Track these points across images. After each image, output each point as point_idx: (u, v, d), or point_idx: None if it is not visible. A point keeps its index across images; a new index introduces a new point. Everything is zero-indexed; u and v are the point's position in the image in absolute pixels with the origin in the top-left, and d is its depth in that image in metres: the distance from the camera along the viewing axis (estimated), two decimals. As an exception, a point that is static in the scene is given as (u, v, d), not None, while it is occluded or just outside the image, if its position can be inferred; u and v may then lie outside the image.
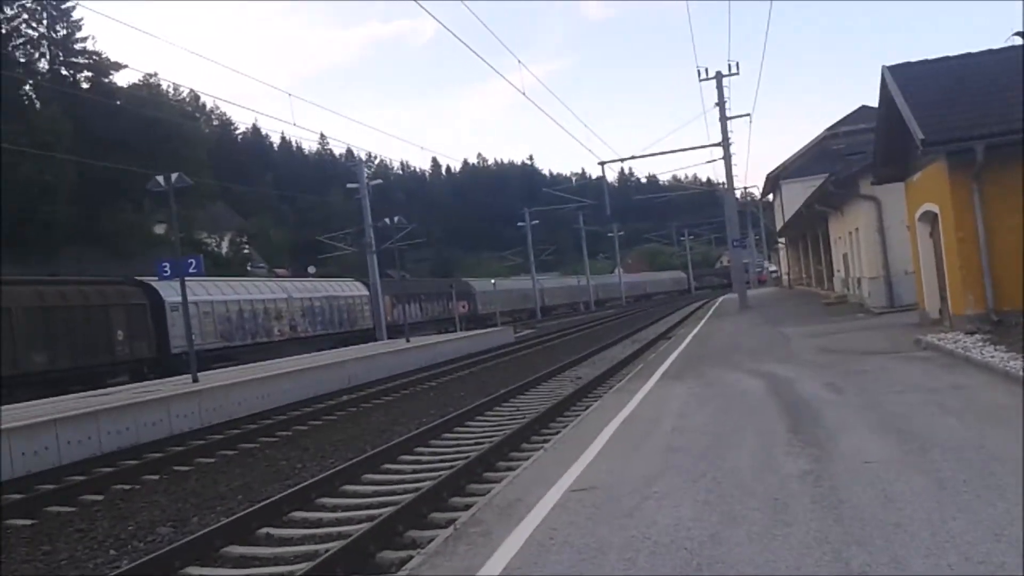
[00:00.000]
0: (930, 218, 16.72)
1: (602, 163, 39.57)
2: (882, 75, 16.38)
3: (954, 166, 14.36)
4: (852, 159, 27.98)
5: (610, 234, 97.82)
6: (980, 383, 9.84)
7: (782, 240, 58.19)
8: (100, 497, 11.10)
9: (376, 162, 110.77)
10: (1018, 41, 18.30)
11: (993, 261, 14.12)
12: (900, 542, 4.62)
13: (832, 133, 41.32)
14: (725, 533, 5.14)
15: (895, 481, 5.91)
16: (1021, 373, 5.60)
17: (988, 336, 13.00)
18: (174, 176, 19.96)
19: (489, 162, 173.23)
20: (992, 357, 11.07)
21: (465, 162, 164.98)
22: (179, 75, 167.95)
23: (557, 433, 10.82)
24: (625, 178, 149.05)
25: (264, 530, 8.35)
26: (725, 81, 33.79)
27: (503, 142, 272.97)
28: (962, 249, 14.51)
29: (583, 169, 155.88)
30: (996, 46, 17.21)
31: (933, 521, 4.92)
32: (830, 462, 6.69)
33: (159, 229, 55.61)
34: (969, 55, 16.69)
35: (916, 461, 6.43)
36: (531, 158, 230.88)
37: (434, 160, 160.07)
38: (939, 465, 6.22)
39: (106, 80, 63.17)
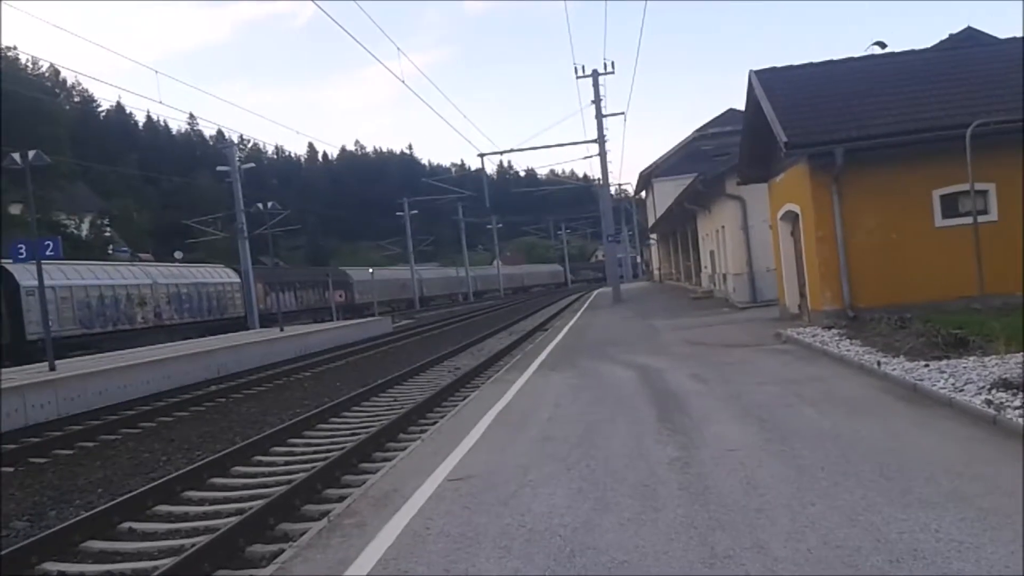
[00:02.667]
0: (791, 218, 17.50)
1: (481, 155, 39.64)
2: (749, 79, 17.02)
3: (815, 168, 15.07)
4: (720, 160, 29.01)
5: (489, 226, 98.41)
6: (837, 375, 10.39)
7: (654, 236, 59.80)
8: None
9: (249, 145, 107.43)
10: (876, 50, 19.39)
11: (850, 260, 14.91)
12: (762, 527, 4.84)
13: (702, 134, 42.63)
14: (597, 519, 5.26)
15: (757, 468, 6.17)
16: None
17: (844, 331, 13.73)
18: (31, 153, 18.87)
19: (368, 150, 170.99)
20: (848, 351, 11.71)
21: (343, 149, 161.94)
22: (38, 48, 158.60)
23: (435, 423, 10.83)
24: (504, 171, 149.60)
25: (126, 524, 8.03)
26: (601, 79, 34.51)
27: (382, 131, 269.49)
28: (821, 248, 15.26)
29: (463, 160, 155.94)
30: (857, 54, 18.15)
31: (793, 506, 5.17)
32: (696, 449, 6.94)
33: (14, 209, 52.36)
34: (832, 62, 17.56)
35: (777, 449, 6.74)
36: (410, 147, 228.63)
37: (310, 145, 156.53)
38: (798, 453, 6.53)
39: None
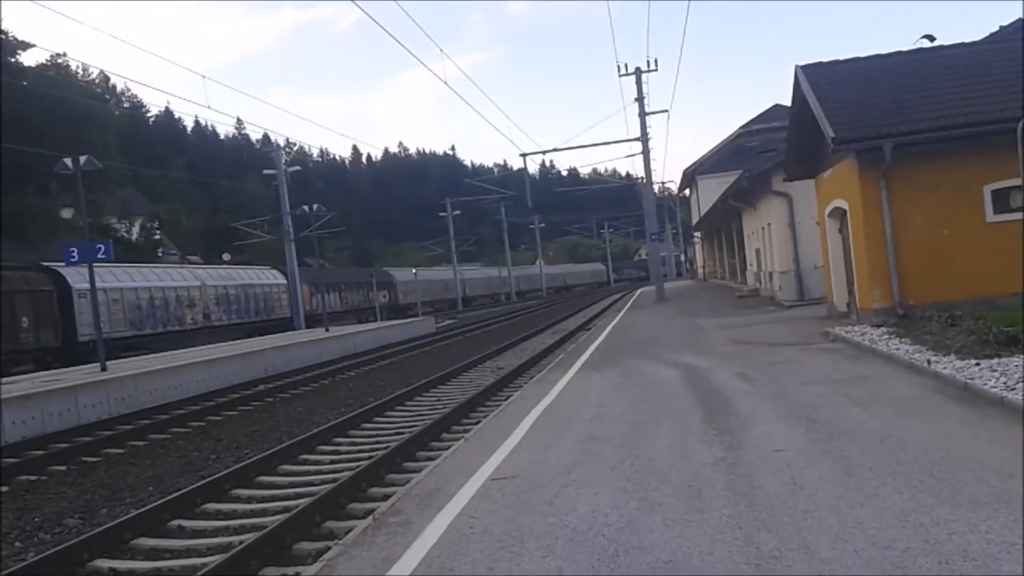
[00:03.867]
0: (839, 214, 17.25)
1: (524, 155, 39.70)
2: (795, 74, 16.80)
3: (863, 164, 14.83)
4: (765, 156, 28.68)
5: (531, 226, 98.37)
6: (886, 374, 10.22)
7: (698, 234, 59.34)
8: (4, 488, 10.70)
9: (295, 149, 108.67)
10: (925, 44, 19.04)
11: (899, 257, 14.65)
12: (809, 527, 4.77)
13: (746, 130, 42.23)
14: (641, 519, 5.23)
15: (804, 468, 6.09)
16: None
17: (894, 329, 13.50)
18: (83, 159, 19.28)
19: (411, 152, 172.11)
20: (897, 350, 11.51)
21: (386, 151, 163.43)
22: (89, 55, 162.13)
23: (478, 423, 10.84)
24: (546, 170, 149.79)
25: (176, 522, 8.16)
26: (644, 77, 34.27)
27: (425, 132, 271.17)
28: (870, 245, 15.01)
29: (505, 161, 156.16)
30: (905, 48, 17.84)
31: (840, 507, 5.09)
32: (742, 450, 6.86)
33: (66, 214, 53.56)
34: (879, 56, 17.25)
35: (824, 449, 6.64)
36: (453, 149, 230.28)
37: (354, 148, 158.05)
38: (846, 453, 6.43)
39: (12, 60, 60.49)
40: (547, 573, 4.50)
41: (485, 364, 21.62)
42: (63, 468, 11.80)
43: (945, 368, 9.48)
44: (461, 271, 79.87)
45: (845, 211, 16.56)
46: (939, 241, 14.49)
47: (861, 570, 4.08)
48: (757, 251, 30.12)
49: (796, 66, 16.84)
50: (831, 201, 17.51)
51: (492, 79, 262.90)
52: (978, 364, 9.35)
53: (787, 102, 18.78)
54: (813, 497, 5.35)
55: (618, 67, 35.18)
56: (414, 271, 66.07)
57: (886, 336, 12.99)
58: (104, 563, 7.07)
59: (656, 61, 44.22)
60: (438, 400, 15.68)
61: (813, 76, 16.38)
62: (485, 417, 11.03)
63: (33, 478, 11.24)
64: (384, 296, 53.15)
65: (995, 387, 8.04)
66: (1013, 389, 7.78)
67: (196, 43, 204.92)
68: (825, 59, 17.56)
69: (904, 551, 4.27)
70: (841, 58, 17.47)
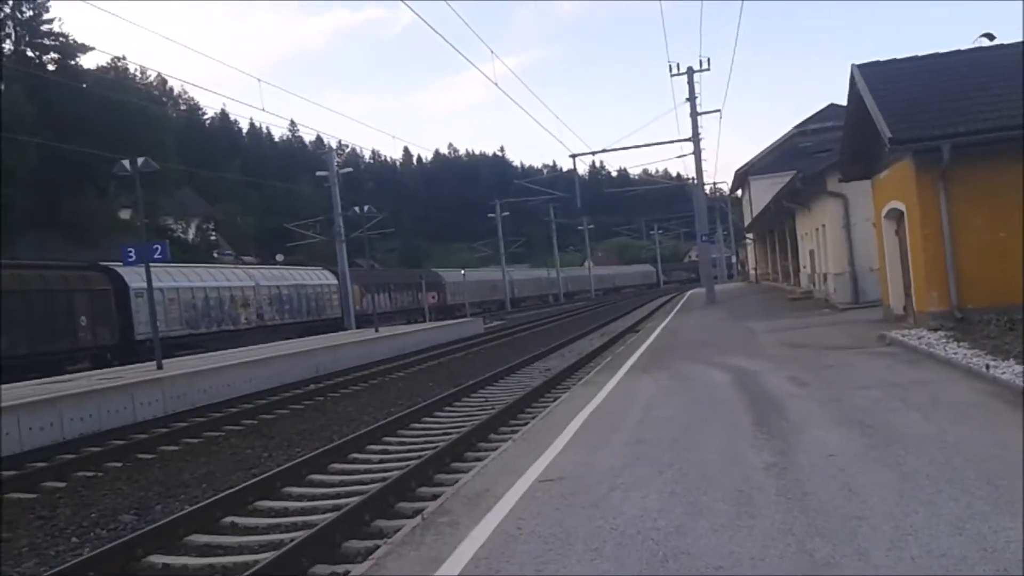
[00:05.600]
0: (896, 215, 16.92)
1: (573, 156, 39.56)
2: (851, 73, 16.53)
3: (921, 165, 14.53)
4: (820, 156, 28.25)
5: (580, 227, 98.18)
6: (943, 378, 9.98)
7: (750, 236, 58.66)
8: (62, 484, 10.97)
9: (347, 150, 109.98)
10: (984, 42, 18.57)
11: (958, 259, 14.32)
12: (863, 534, 4.68)
13: (801, 130, 41.63)
14: (690, 524, 5.17)
15: (858, 474, 5.97)
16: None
17: (951, 333, 13.19)
18: (140, 160, 19.69)
19: (460, 153, 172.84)
20: (955, 354, 11.24)
21: (436, 152, 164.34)
22: (146, 58, 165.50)
23: (526, 424, 10.84)
24: (596, 171, 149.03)
25: (229, 519, 8.29)
26: (696, 77, 34.04)
27: (475, 133, 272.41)
28: (927, 246, 14.71)
29: (554, 162, 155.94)
30: (964, 47, 17.44)
31: (895, 514, 4.98)
32: (794, 455, 6.76)
33: (124, 214, 54.87)
34: (937, 55, 16.88)
35: (879, 455, 6.51)
36: (502, 150, 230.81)
37: (405, 150, 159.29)
38: (902, 459, 6.30)
39: (72, 62, 62.09)
40: (595, 576, 4.47)
41: (533, 365, 21.61)
42: (119, 465, 12.05)
43: (1004, 373, 9.23)
44: (509, 272, 79.97)
45: (902, 212, 16.24)
46: (997, 244, 14.12)
47: (917, 579, 3.99)
48: (811, 253, 29.69)
49: (852, 65, 16.56)
50: (888, 202, 17.19)
51: (542, 80, 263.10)
52: (1039, 369, 9.09)
53: (843, 102, 18.47)
54: (867, 503, 5.25)
55: (670, 67, 35.02)
56: (463, 272, 66.32)
57: (943, 340, 12.69)
58: (158, 559, 7.20)
59: (708, 60, 43.84)
60: (486, 401, 15.71)
61: (870, 75, 16.09)
62: (533, 418, 11.03)
63: (90, 474, 11.50)
64: (433, 297, 53.36)
65: (1058, 393, 7.81)
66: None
67: (250, 45, 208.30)
68: (882, 58, 17.23)
69: (961, 559, 4.17)
70: (898, 57, 17.17)
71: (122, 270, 28.62)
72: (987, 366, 9.77)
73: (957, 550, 4.30)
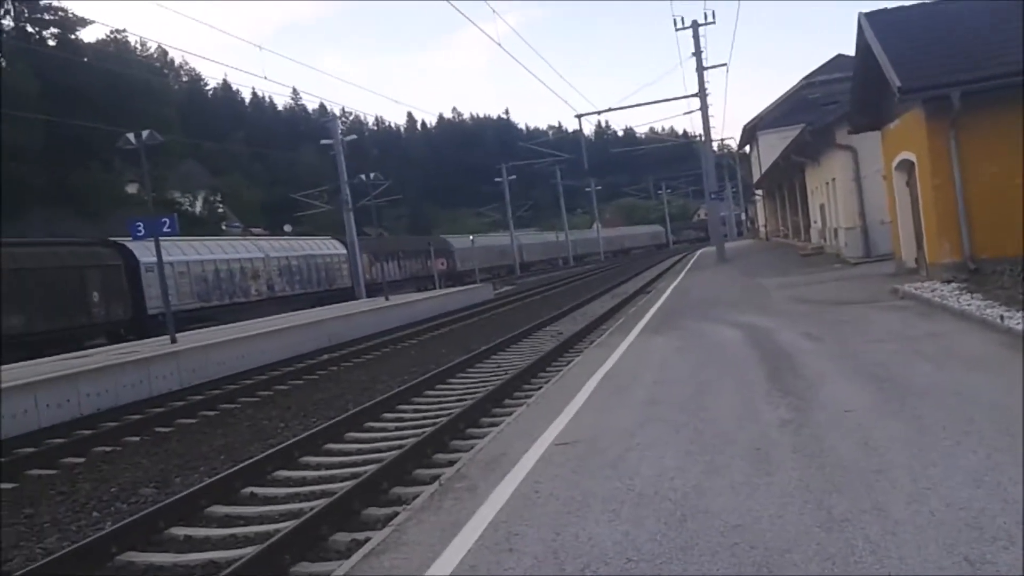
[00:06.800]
0: (907, 167, 16.76)
1: (579, 116, 39.21)
2: (858, 22, 16.27)
3: (931, 114, 14.36)
4: (829, 108, 27.95)
5: (588, 189, 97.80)
6: (957, 331, 9.94)
7: (759, 192, 58.29)
8: (81, 460, 11.06)
9: (351, 118, 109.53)
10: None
11: (969, 209, 14.19)
12: (881, 489, 4.68)
13: (808, 82, 41.14)
14: (708, 483, 5.18)
15: (874, 428, 5.96)
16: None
17: (965, 284, 13.11)
18: (145, 133, 19.64)
19: (465, 116, 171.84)
20: (969, 305, 11.17)
21: (440, 116, 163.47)
22: (147, 30, 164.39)
23: (539, 388, 10.85)
24: (602, 131, 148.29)
25: (248, 489, 8.35)
26: (701, 30, 33.76)
27: (479, 96, 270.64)
28: (938, 197, 14.57)
29: (559, 122, 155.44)
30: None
31: (913, 468, 4.97)
32: (810, 411, 6.75)
33: (131, 188, 54.81)
34: (945, 2, 16.60)
35: (895, 409, 6.50)
36: (507, 112, 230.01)
37: (409, 115, 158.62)
38: (918, 412, 6.28)
39: (72, 37, 61.80)
40: (614, 537, 4.48)
41: (545, 329, 21.62)
42: (137, 439, 12.13)
43: (1018, 324, 9.17)
44: (518, 237, 79.83)
45: (913, 163, 16.08)
46: (1011, 192, 13.94)
47: (937, 532, 3.98)
48: (821, 207, 29.50)
49: (860, 13, 16.30)
50: (898, 153, 17.01)
51: (545, 38, 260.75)
52: (1055, 318, 9.04)
53: (851, 52, 18.24)
54: (885, 457, 5.24)
55: (674, 21, 34.92)
56: (471, 238, 66.32)
57: (956, 292, 12.62)
58: (180, 531, 7.26)
59: (713, 13, 43.23)
60: (499, 367, 15.74)
61: (877, 23, 15.85)
62: (547, 383, 11.04)
63: (108, 449, 11.59)
64: (442, 264, 53.35)
65: (1074, 342, 7.76)
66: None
67: (250, 13, 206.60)
68: (890, 5, 16.96)
69: (980, 511, 4.16)
70: (906, 3, 16.88)
71: (132, 245, 28.66)
72: (1001, 317, 9.72)
73: (977, 502, 4.29)
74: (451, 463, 7.58)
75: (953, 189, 14.27)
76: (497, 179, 78.79)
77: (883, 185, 19.32)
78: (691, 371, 9.47)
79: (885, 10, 16.61)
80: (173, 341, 19.25)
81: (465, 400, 12.07)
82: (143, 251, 28.68)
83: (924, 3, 16.72)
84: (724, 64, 78.63)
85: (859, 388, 7.40)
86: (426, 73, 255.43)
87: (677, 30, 34.03)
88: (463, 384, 14.06)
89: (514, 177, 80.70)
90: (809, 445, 5.75)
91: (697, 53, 33.87)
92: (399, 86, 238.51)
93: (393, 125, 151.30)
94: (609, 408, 7.93)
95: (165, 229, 19.20)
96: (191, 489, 8.22)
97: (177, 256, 31.93)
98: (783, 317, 13.45)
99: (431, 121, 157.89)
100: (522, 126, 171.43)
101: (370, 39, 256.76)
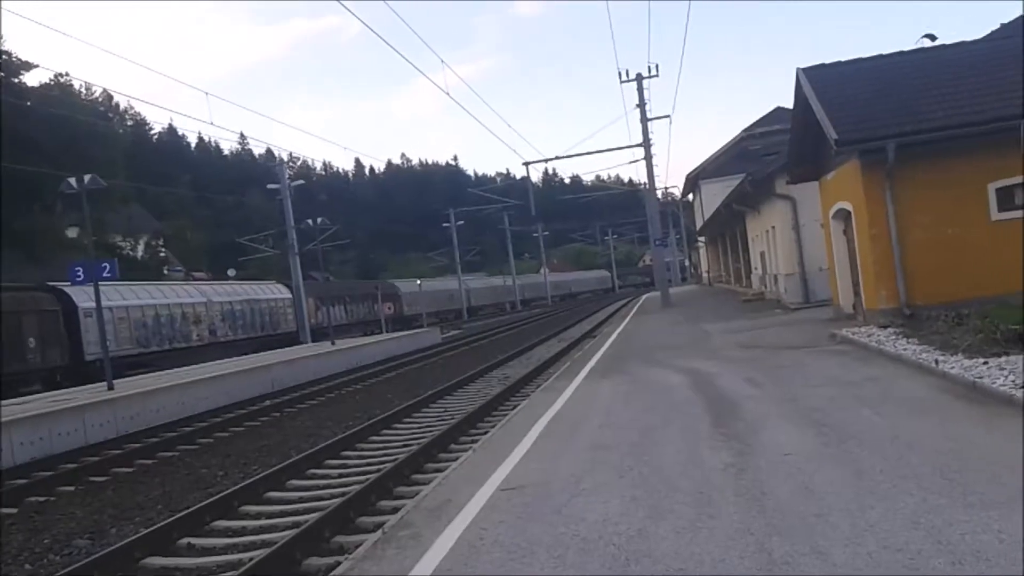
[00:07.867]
0: (844, 216, 17.21)
1: (526, 163, 39.80)
2: (797, 77, 16.79)
3: (867, 165, 14.80)
4: (768, 159, 28.64)
5: (535, 234, 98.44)
6: (894, 375, 10.17)
7: (702, 239, 59.28)
8: (14, 510, 10.70)
9: (298, 163, 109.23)
10: (927, 43, 19.01)
11: (905, 257, 14.59)
12: (821, 532, 4.74)
13: (749, 134, 42.14)
14: (652, 527, 5.20)
15: (814, 472, 6.05)
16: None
17: (901, 329, 13.44)
18: (87, 177, 19.34)
19: (413, 162, 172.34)
20: (905, 350, 11.46)
21: (389, 163, 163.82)
22: (91, 74, 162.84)
23: (486, 433, 10.81)
24: (549, 178, 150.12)
25: (185, 540, 8.14)
26: (645, 83, 34.31)
27: (428, 143, 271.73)
28: (875, 245, 14.97)
29: (508, 169, 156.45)
30: (907, 48, 17.82)
31: (852, 511, 5.05)
32: (752, 455, 6.83)
33: (72, 233, 53.71)
34: (881, 57, 17.23)
35: (834, 452, 6.61)
36: (456, 159, 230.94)
37: (357, 161, 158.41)
38: (856, 456, 6.40)
39: (15, 80, 60.76)
40: (558, 584, 4.46)
41: (492, 373, 21.59)
42: (72, 489, 11.78)
43: (953, 368, 9.44)
44: (466, 281, 79.85)
45: (849, 212, 16.52)
46: (944, 240, 14.44)
47: (874, 573, 4.04)
48: (762, 254, 30.08)
49: (798, 68, 16.83)
50: (835, 203, 17.48)
51: (494, 88, 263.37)
52: (986, 363, 9.30)
53: (790, 104, 18.78)
54: (824, 501, 5.32)
55: (619, 73, 35.31)
56: (419, 282, 66.11)
57: (893, 336, 12.94)
58: (114, 583, 7.04)
59: (657, 67, 43.80)
60: (445, 411, 15.65)
61: (815, 78, 16.37)
62: (493, 427, 11.01)
63: (42, 499, 11.24)
64: (389, 308, 53.01)
65: (1004, 385, 7.99)
66: (1022, 387, 7.73)
67: (198, 59, 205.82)
68: (827, 60, 17.55)
69: (917, 553, 4.24)
70: (843, 59, 17.48)
71: (70, 290, 28.06)
72: (936, 361, 9.98)
73: (914, 544, 4.37)
74: (395, 510, 7.50)
75: (889, 238, 14.68)
76: (446, 224, 78.94)
77: (821, 233, 19.78)
78: (636, 416, 9.52)
79: (822, 65, 17.15)
80: (110, 388, 18.80)
81: (411, 445, 11.97)
82: (82, 296, 28.06)
83: (860, 59, 17.30)
84: (668, 115, 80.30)
85: (799, 432, 7.52)
86: (376, 121, 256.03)
87: (622, 82, 34.68)
88: (409, 429, 13.95)
89: (462, 223, 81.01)
90: (751, 489, 5.81)
91: (641, 105, 34.53)
92: (348, 133, 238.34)
93: (341, 171, 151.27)
94: (555, 453, 7.92)
95: (105, 274, 18.86)
96: (126, 540, 8.00)
97: (117, 301, 31.27)
98: (725, 362, 13.63)
99: (380, 167, 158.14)
100: (471, 172, 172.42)
101: (319, 87, 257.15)
